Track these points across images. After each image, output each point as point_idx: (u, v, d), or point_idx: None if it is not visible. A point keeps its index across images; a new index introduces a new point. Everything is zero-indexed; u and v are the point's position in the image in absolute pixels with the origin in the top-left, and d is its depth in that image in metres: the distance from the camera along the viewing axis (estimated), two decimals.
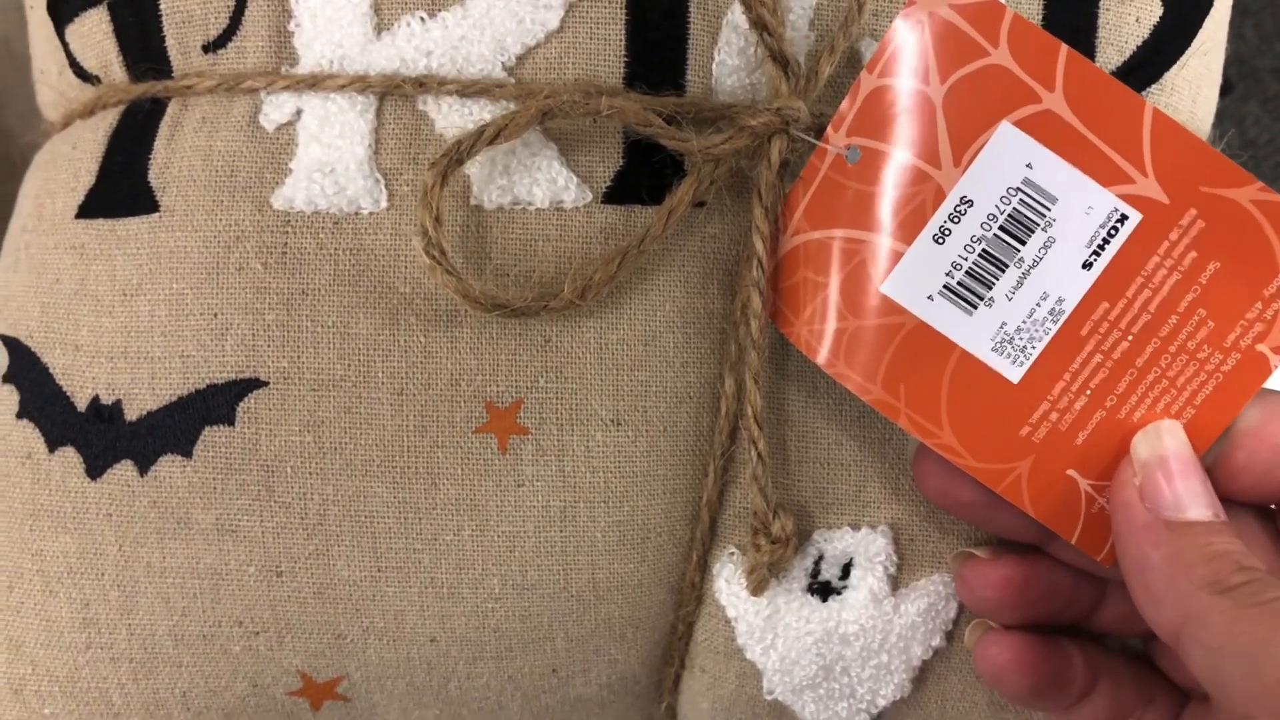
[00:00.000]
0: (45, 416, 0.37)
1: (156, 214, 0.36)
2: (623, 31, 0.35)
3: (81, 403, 0.36)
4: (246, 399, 0.35)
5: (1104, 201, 0.33)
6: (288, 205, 0.35)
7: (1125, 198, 0.33)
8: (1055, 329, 0.34)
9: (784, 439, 0.37)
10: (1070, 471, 0.34)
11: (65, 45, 0.39)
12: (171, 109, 0.37)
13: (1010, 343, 0.34)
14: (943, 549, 0.38)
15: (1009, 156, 0.33)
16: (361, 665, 0.37)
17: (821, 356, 0.35)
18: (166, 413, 0.36)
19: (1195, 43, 0.37)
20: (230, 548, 0.36)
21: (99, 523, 0.36)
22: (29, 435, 0.37)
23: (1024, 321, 0.34)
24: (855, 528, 0.38)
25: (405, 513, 0.36)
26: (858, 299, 0.34)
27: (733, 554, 0.38)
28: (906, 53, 0.33)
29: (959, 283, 0.34)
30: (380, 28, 0.35)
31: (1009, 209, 0.33)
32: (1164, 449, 0.33)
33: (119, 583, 0.36)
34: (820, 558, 0.38)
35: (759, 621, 0.38)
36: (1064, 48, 0.33)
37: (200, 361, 0.35)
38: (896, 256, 0.34)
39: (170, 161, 0.36)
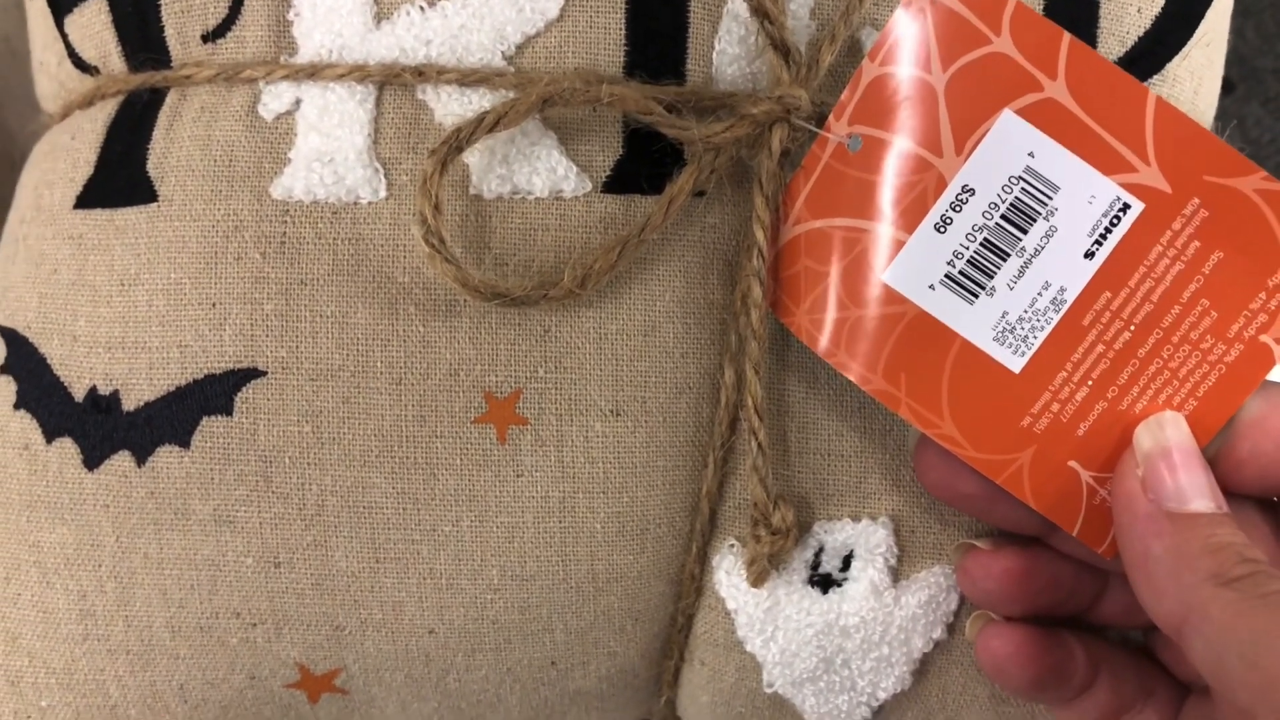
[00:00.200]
0: (42, 407, 0.37)
1: (155, 204, 0.36)
2: (622, 20, 0.35)
3: (79, 393, 0.36)
4: (244, 389, 0.35)
5: (1106, 190, 0.33)
6: (286, 195, 0.35)
7: (1128, 187, 0.33)
8: (1057, 319, 0.33)
9: (784, 430, 0.37)
10: (1072, 463, 0.34)
11: (64, 36, 0.39)
12: (170, 99, 0.37)
13: (1012, 332, 0.34)
14: (944, 541, 0.38)
15: (1011, 145, 0.33)
16: (359, 657, 0.37)
17: (822, 346, 0.35)
18: (164, 403, 0.35)
19: (1197, 33, 0.37)
20: (228, 539, 0.36)
21: (96, 514, 0.36)
22: (26, 426, 0.37)
23: (1025, 311, 0.34)
24: (856, 519, 0.37)
25: (404, 503, 0.36)
26: (859, 288, 0.34)
27: (733, 546, 0.38)
28: (908, 41, 0.33)
29: (960, 272, 0.34)
30: (380, 17, 0.35)
31: (1011, 198, 0.33)
32: (1167, 440, 0.33)
33: (116, 574, 0.36)
34: (821, 549, 0.38)
35: (759, 614, 0.38)
36: (1067, 36, 0.32)
37: (198, 351, 0.35)
38: (898, 245, 0.34)
39: (169, 151, 0.36)
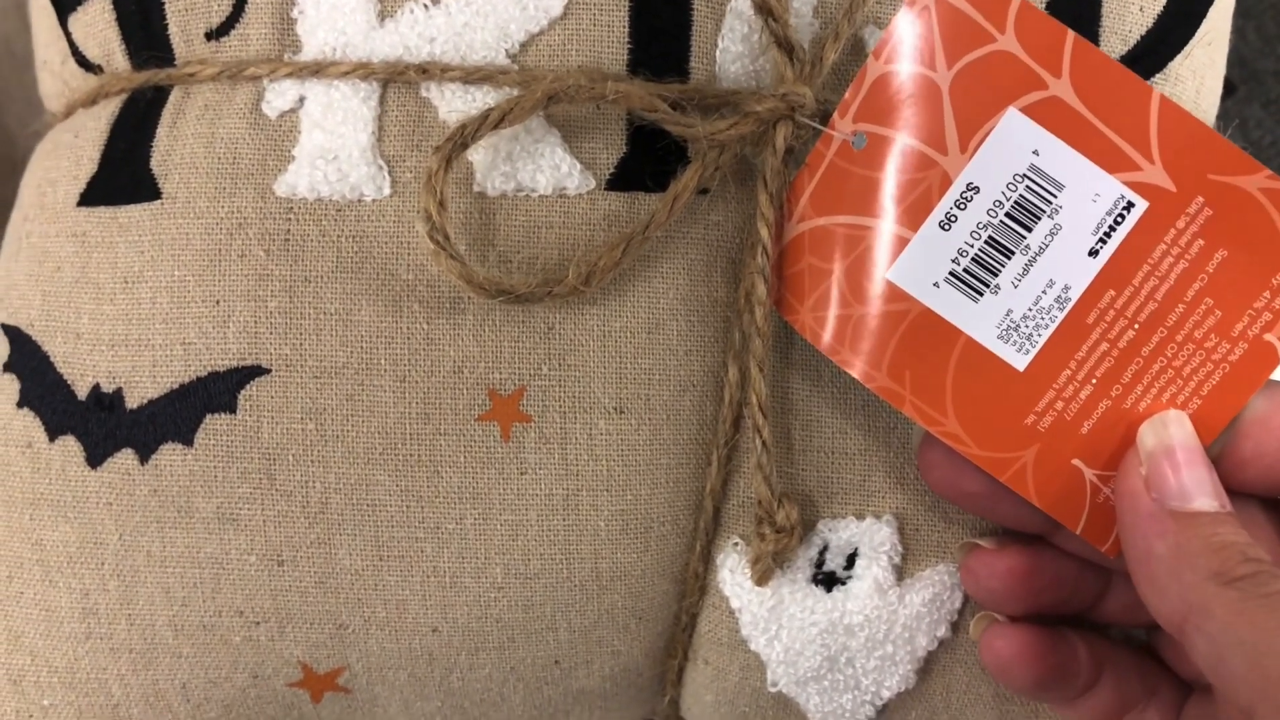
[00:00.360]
0: (46, 405, 0.37)
1: (158, 201, 0.36)
2: (626, 18, 0.35)
3: (82, 391, 0.36)
4: (248, 386, 0.35)
5: (1111, 189, 0.33)
6: (290, 192, 0.35)
7: (1132, 185, 0.33)
8: (1061, 317, 0.34)
9: (788, 428, 0.37)
10: (1075, 461, 0.34)
11: (68, 35, 0.39)
12: (174, 97, 0.37)
13: (1016, 330, 0.34)
14: (948, 539, 0.38)
15: (1015, 143, 0.33)
16: (363, 656, 0.37)
17: (826, 343, 0.35)
18: (167, 400, 0.35)
19: (1200, 32, 0.37)
20: (231, 537, 0.36)
21: (99, 512, 0.36)
22: (29, 424, 0.37)
23: (1030, 309, 0.34)
24: (860, 517, 0.37)
25: (407, 501, 0.36)
26: (863, 285, 0.34)
27: (737, 544, 0.38)
28: (913, 39, 0.33)
29: (965, 269, 0.34)
30: (383, 14, 0.35)
31: (1015, 196, 0.33)
32: (1170, 439, 0.33)
33: (119, 572, 0.36)
34: (825, 548, 0.38)
35: (763, 612, 0.38)
36: (1071, 34, 0.33)
37: (202, 349, 0.35)
38: (902, 243, 0.34)
39: (173, 149, 0.36)
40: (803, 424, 0.37)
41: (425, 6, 0.35)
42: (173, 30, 0.37)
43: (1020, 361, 0.34)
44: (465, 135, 0.33)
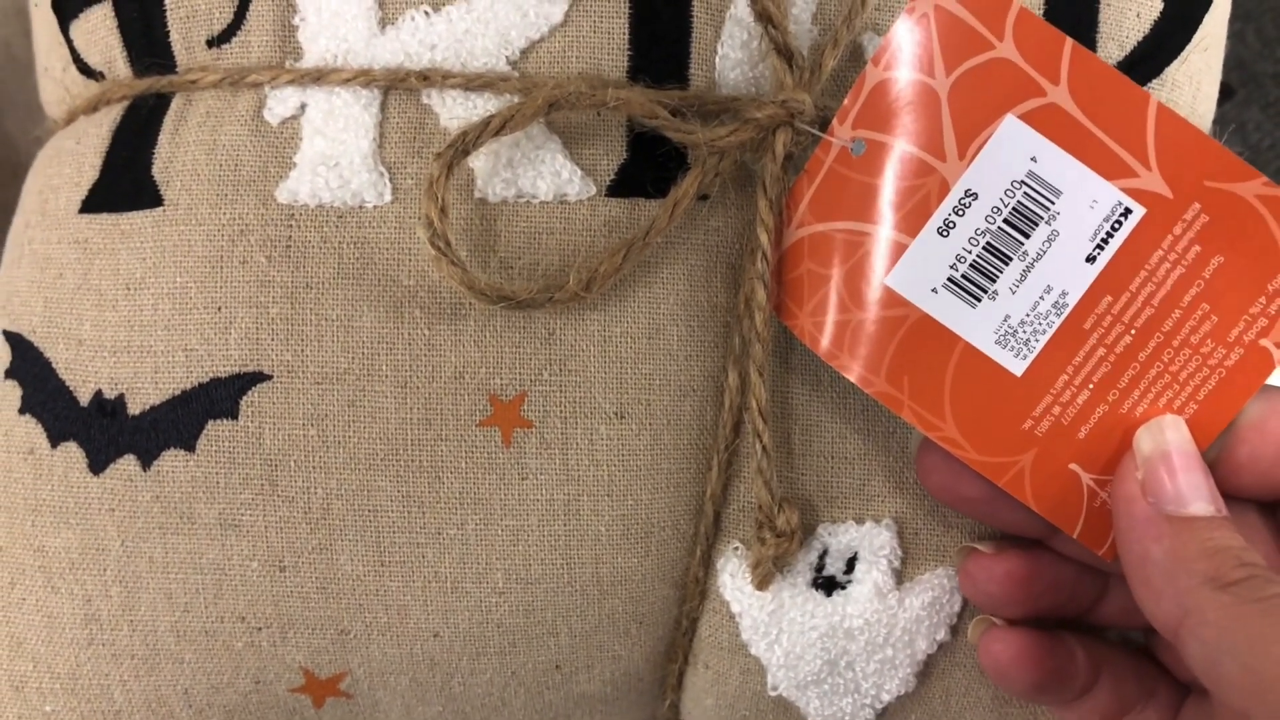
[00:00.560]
0: (47, 411, 0.37)
1: (160, 208, 0.36)
2: (626, 25, 0.35)
3: (84, 397, 0.36)
4: (250, 393, 0.35)
5: (1108, 195, 0.33)
6: (292, 199, 0.35)
7: (1129, 192, 0.33)
8: (1058, 322, 0.34)
9: (788, 432, 0.37)
10: (1073, 465, 0.34)
11: (69, 42, 0.39)
12: (176, 104, 0.37)
13: (1014, 336, 0.34)
14: (947, 543, 0.38)
15: (1014, 150, 0.33)
16: (364, 661, 0.37)
17: (824, 348, 0.35)
18: (169, 407, 0.35)
19: (1196, 38, 0.38)
20: (233, 542, 0.36)
21: (101, 518, 0.36)
22: (31, 430, 0.37)
23: (1027, 315, 0.34)
24: (860, 522, 0.38)
25: (409, 506, 0.36)
26: (861, 291, 0.34)
27: (737, 548, 0.38)
28: (912, 46, 0.33)
29: (963, 275, 0.34)
30: (384, 22, 0.35)
31: (1013, 202, 0.33)
32: (1167, 443, 0.33)
33: (121, 578, 0.36)
34: (825, 552, 0.38)
35: (763, 616, 0.38)
36: (1069, 41, 0.33)
37: (204, 355, 0.35)
38: (901, 249, 0.34)
39: (174, 156, 0.36)
40: (802, 429, 0.37)
41: (426, 13, 0.35)
42: (174, 37, 0.37)
43: (1018, 367, 0.34)
44: (466, 142, 0.33)
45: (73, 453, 0.36)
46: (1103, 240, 0.33)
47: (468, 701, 0.38)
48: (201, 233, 0.35)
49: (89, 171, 0.38)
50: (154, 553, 0.36)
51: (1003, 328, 0.34)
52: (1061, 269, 0.33)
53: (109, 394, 0.36)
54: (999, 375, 0.34)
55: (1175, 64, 0.37)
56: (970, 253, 0.34)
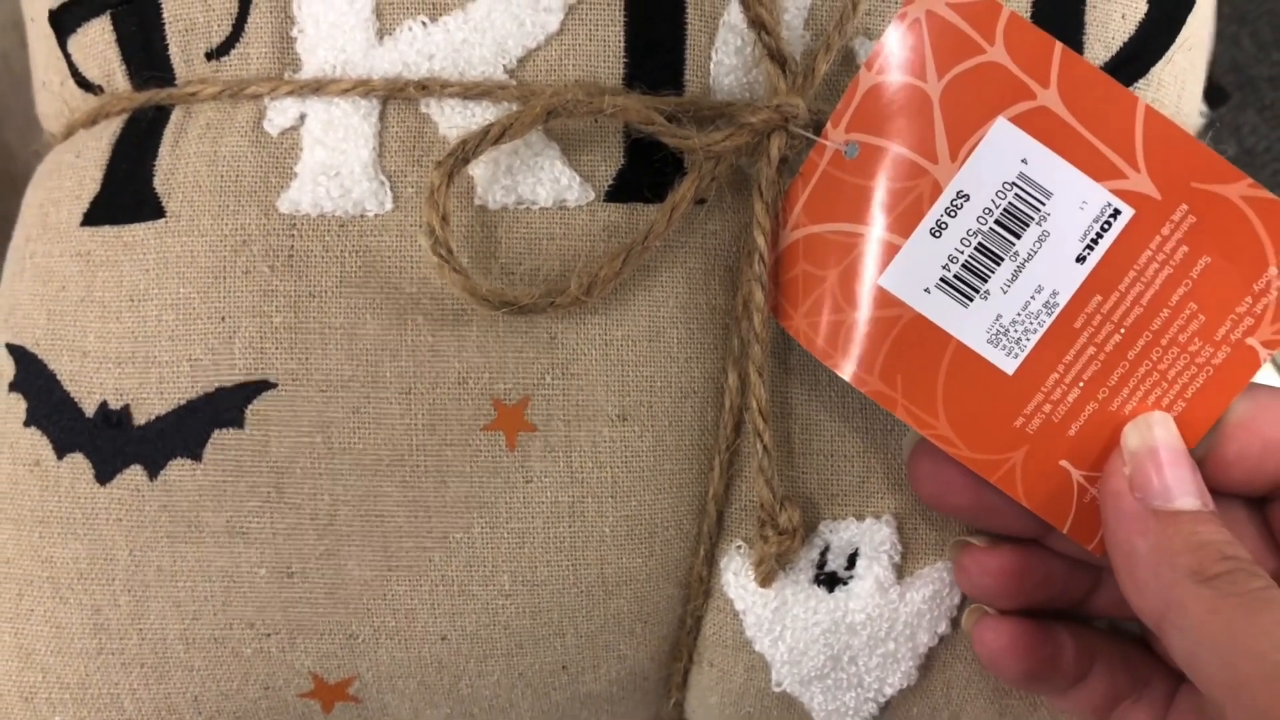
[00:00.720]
0: (53, 423, 0.37)
1: (163, 220, 0.36)
2: (621, 33, 0.36)
3: (89, 408, 0.36)
4: (255, 401, 0.35)
5: (1097, 196, 0.34)
6: (293, 209, 0.35)
7: (1118, 193, 0.33)
8: (1049, 322, 0.34)
9: (788, 432, 0.37)
10: (1063, 462, 0.35)
11: (68, 56, 0.39)
12: (176, 116, 0.37)
13: (1005, 335, 0.34)
14: (946, 537, 0.38)
15: (1005, 152, 0.33)
16: (373, 665, 0.37)
17: (819, 348, 0.35)
18: (175, 416, 0.36)
19: (1180, 38, 0.38)
20: (241, 550, 0.36)
21: (109, 528, 0.36)
22: (37, 443, 0.37)
23: (1019, 314, 0.34)
24: (860, 518, 0.38)
25: (415, 511, 0.36)
26: (855, 291, 0.35)
27: (740, 547, 0.38)
28: (904, 50, 0.34)
29: (955, 276, 0.34)
30: (382, 32, 0.35)
31: (1004, 203, 0.34)
32: (1154, 439, 0.33)
33: (129, 587, 0.36)
34: (826, 549, 0.38)
35: (767, 613, 0.38)
36: (1059, 45, 0.33)
37: (208, 365, 0.35)
38: (894, 250, 0.34)
39: (175, 168, 0.36)
40: (802, 428, 0.38)
41: (424, 24, 0.35)
42: (173, 50, 0.37)
43: (1009, 365, 0.34)
44: (466, 150, 0.33)
45: (79, 464, 0.36)
46: (1092, 241, 0.34)
47: (475, 703, 0.39)
48: (204, 243, 0.36)
49: (90, 184, 0.38)
50: (162, 561, 0.36)
51: (994, 327, 0.34)
52: (1052, 269, 0.34)
53: (114, 405, 0.36)
54: (991, 374, 0.34)
55: (1160, 64, 0.38)
56: (962, 253, 0.34)
